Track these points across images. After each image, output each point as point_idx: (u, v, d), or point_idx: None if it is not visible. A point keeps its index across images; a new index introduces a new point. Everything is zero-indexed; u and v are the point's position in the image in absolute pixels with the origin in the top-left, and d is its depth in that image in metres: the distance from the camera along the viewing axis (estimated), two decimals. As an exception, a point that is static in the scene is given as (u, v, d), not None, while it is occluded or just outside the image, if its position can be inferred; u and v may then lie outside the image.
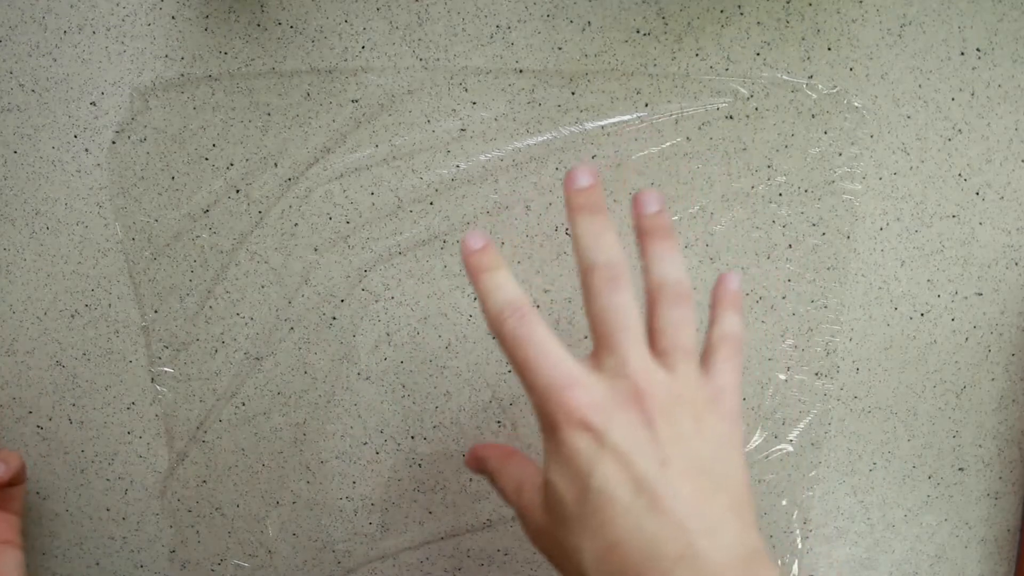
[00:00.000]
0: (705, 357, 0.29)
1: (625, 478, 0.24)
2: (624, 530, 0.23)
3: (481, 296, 0.27)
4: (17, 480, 0.37)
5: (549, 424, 0.25)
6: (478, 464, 0.31)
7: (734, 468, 0.25)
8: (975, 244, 0.39)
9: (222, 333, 0.39)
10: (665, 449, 0.24)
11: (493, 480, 0.30)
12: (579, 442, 0.24)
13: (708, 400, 0.26)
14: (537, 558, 0.43)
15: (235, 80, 0.36)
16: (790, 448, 0.41)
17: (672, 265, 0.27)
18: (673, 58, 0.37)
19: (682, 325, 0.27)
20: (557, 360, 0.25)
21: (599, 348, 0.26)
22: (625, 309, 0.26)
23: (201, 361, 0.40)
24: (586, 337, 0.40)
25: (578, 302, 0.39)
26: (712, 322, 0.30)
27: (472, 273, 0.28)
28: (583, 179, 0.28)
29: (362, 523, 0.42)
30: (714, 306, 0.30)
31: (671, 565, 0.22)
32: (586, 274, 0.27)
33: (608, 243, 0.27)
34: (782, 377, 0.40)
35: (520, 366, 0.26)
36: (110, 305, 0.39)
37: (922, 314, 0.40)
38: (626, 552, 0.23)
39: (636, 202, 0.28)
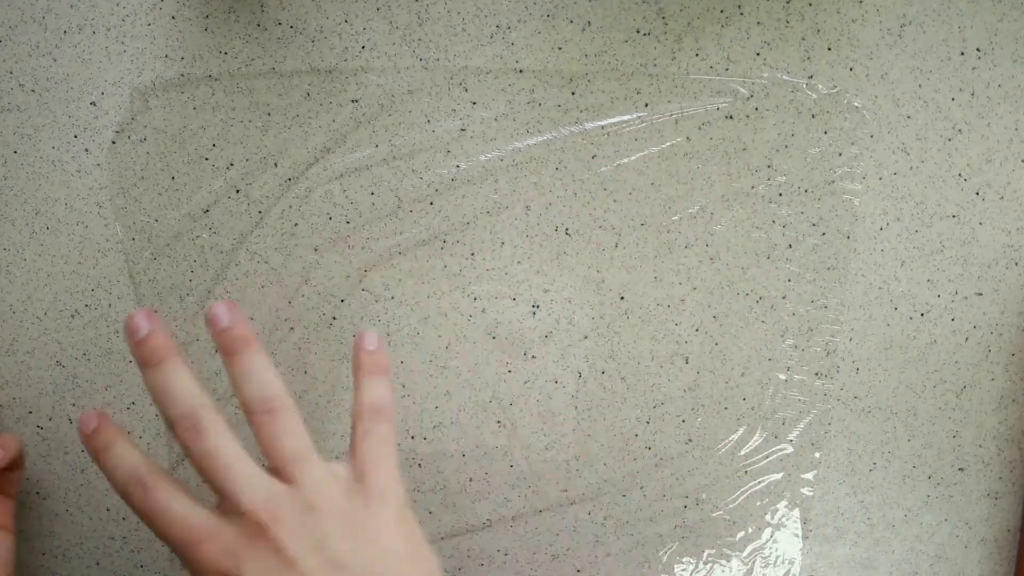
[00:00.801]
0: (351, 440, 0.29)
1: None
2: None
3: (105, 473, 0.28)
4: (16, 465, 0.37)
5: (192, 573, 0.26)
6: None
7: (389, 554, 0.26)
8: (975, 244, 0.39)
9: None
10: (302, 565, 0.25)
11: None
12: (263, 553, 0.25)
13: (346, 493, 0.27)
14: (537, 558, 0.43)
15: (235, 80, 0.36)
16: (790, 448, 0.41)
17: (255, 380, 0.28)
18: (673, 58, 0.37)
19: (281, 435, 0.27)
20: (183, 518, 0.26)
21: (216, 494, 0.27)
22: (215, 451, 0.26)
23: (201, 361, 0.40)
24: (586, 338, 0.40)
25: (579, 302, 0.39)
26: (354, 393, 0.30)
27: (91, 452, 0.28)
28: (138, 331, 0.28)
29: (362, 523, 0.42)
30: (354, 373, 0.30)
31: None
32: (171, 430, 0.27)
33: (177, 393, 0.27)
34: (782, 377, 0.40)
35: (156, 533, 0.26)
36: (110, 305, 0.39)
37: (922, 314, 0.40)
38: None
39: (211, 319, 0.29)
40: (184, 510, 0.26)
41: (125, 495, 0.27)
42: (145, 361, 0.27)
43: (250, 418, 0.28)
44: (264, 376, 0.28)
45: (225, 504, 0.26)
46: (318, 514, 0.26)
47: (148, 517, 0.27)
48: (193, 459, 0.27)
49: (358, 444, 0.29)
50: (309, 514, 0.26)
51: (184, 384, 0.27)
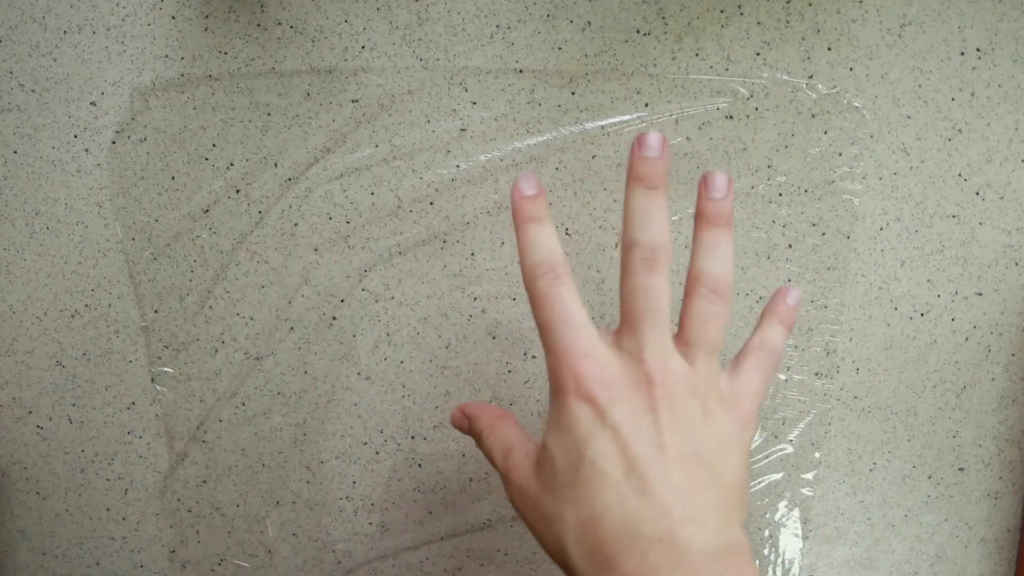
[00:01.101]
0: (737, 358, 0.29)
1: (619, 456, 0.24)
2: (608, 505, 0.24)
3: (521, 245, 0.27)
4: None
5: (557, 388, 0.26)
6: (466, 422, 0.30)
7: (733, 466, 0.25)
8: (975, 244, 0.39)
9: (222, 333, 0.39)
10: (664, 436, 0.24)
11: (480, 439, 0.29)
12: (581, 413, 0.25)
13: (722, 397, 0.26)
14: (537, 558, 0.43)
15: (235, 80, 0.36)
16: (790, 448, 0.41)
17: (718, 258, 0.27)
18: (673, 58, 0.37)
19: (712, 319, 0.26)
20: (578, 328, 0.26)
21: (623, 327, 0.26)
22: (656, 293, 0.26)
23: (201, 361, 0.40)
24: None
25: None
26: (756, 328, 0.30)
27: (517, 219, 0.27)
28: (651, 149, 0.27)
29: (362, 523, 0.42)
30: (764, 314, 0.30)
31: (647, 546, 0.23)
32: (626, 250, 0.26)
33: (656, 223, 0.26)
34: (782, 377, 0.40)
35: (543, 325, 0.26)
36: (110, 305, 0.39)
37: (922, 314, 0.40)
38: (606, 526, 0.23)
39: (704, 183, 0.27)
40: (583, 320, 0.26)
41: (532, 275, 0.26)
42: (638, 179, 0.26)
43: (695, 284, 0.27)
44: (727, 258, 0.27)
45: (627, 341, 0.26)
46: (693, 399, 0.25)
47: (545, 307, 0.26)
48: (633, 289, 0.26)
49: (746, 369, 0.28)
50: (687, 395, 0.25)
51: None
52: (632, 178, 0.27)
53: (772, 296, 0.30)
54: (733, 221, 0.28)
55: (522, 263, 0.27)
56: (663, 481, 0.24)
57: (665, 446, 0.24)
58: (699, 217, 0.28)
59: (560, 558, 0.25)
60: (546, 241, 0.27)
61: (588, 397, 0.25)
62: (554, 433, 0.26)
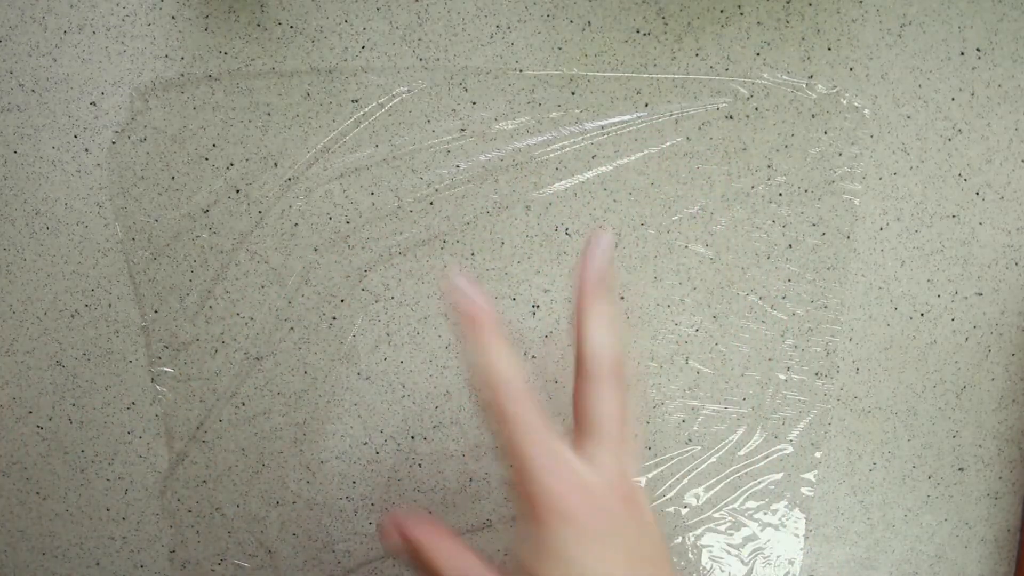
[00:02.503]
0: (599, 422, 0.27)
1: (603, 568, 0.23)
2: None
3: (477, 358, 0.25)
4: None
5: (532, 510, 0.24)
6: (402, 539, 0.26)
7: (663, 549, 0.26)
8: (975, 244, 0.39)
9: (222, 333, 0.39)
10: (631, 544, 0.24)
11: (425, 561, 0.26)
12: (562, 531, 0.24)
13: (636, 495, 0.26)
14: (537, 558, 0.43)
15: (235, 80, 0.36)
16: (790, 448, 0.41)
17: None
18: (673, 58, 0.37)
19: (616, 414, 0.26)
20: (548, 437, 0.24)
21: (585, 437, 0.26)
22: (616, 408, 0.26)
23: (201, 361, 0.40)
24: (586, 337, 0.40)
25: (578, 302, 0.39)
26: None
27: (467, 340, 0.26)
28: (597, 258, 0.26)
29: (362, 523, 0.42)
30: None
31: None
32: (581, 364, 0.26)
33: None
34: (782, 377, 0.40)
35: (508, 436, 0.25)
36: (110, 305, 0.39)
37: (922, 314, 0.40)
38: None
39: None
40: (549, 435, 0.25)
41: (489, 391, 0.25)
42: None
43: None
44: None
45: (595, 451, 0.25)
46: (636, 507, 0.25)
47: (505, 425, 0.25)
48: (594, 404, 0.26)
49: (602, 419, 0.26)
50: (635, 504, 0.25)
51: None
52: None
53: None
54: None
55: (475, 378, 0.25)
56: None
57: (631, 550, 0.24)
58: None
59: None
60: (503, 355, 0.25)
61: (569, 519, 0.24)
62: (543, 560, 0.24)
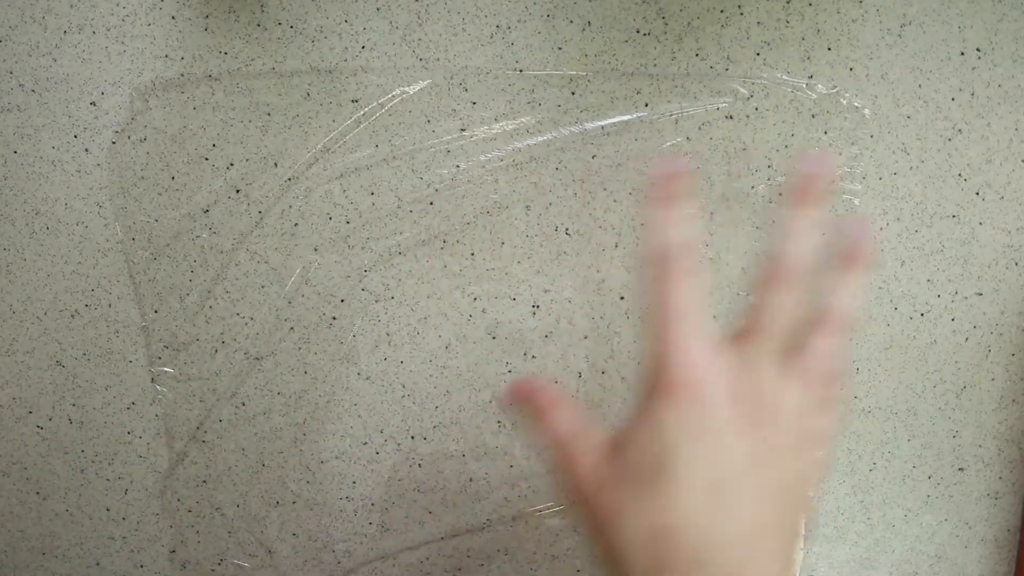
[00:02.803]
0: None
1: (710, 473, 0.22)
2: (687, 520, 0.22)
3: (656, 223, 0.25)
4: None
5: (661, 383, 0.24)
6: (524, 398, 0.28)
7: (805, 502, 0.25)
8: (975, 244, 0.39)
9: (222, 333, 0.39)
10: (759, 461, 0.23)
11: (540, 418, 0.27)
12: (683, 413, 0.23)
13: (817, 431, 0.25)
14: (537, 558, 0.43)
15: (235, 80, 0.36)
16: (790, 448, 0.41)
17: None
18: (673, 58, 0.37)
19: (834, 357, 0.25)
20: (701, 323, 0.24)
21: (748, 332, 0.25)
22: (782, 309, 0.25)
23: (201, 361, 0.40)
24: (586, 338, 0.40)
25: (579, 302, 0.39)
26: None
27: (656, 197, 0.25)
28: (821, 164, 0.26)
29: (362, 523, 0.42)
30: (818, 322, 0.27)
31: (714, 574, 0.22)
32: (770, 262, 0.25)
33: (801, 235, 0.25)
34: (782, 377, 0.40)
35: (660, 311, 0.24)
36: (110, 305, 0.39)
37: (922, 314, 0.40)
38: (679, 542, 0.22)
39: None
40: (701, 316, 0.24)
41: (662, 258, 0.25)
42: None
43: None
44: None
45: (749, 349, 0.24)
46: (792, 429, 0.24)
47: (669, 295, 0.24)
48: (763, 303, 0.25)
49: (816, 358, 0.25)
50: (790, 423, 0.24)
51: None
52: (801, 199, 0.26)
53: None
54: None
55: (650, 244, 0.25)
56: (742, 513, 0.22)
57: (757, 470, 0.23)
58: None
59: (611, 559, 0.23)
60: (681, 227, 0.25)
61: (696, 399, 0.23)
62: (645, 426, 0.24)
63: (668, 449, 0.23)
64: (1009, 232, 0.39)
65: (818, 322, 0.25)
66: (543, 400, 0.27)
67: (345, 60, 0.36)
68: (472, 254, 0.39)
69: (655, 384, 0.24)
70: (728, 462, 0.23)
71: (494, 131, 0.37)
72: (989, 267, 0.40)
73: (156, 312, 0.39)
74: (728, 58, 0.37)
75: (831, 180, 0.26)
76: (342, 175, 0.38)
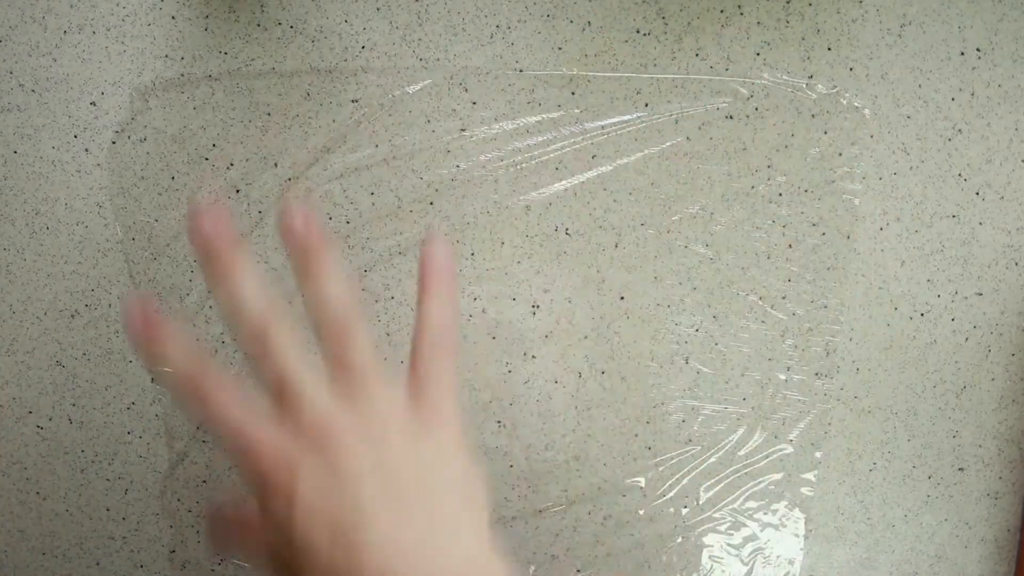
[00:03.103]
0: (411, 359, 0.27)
1: (320, 530, 0.23)
2: None
3: (153, 375, 0.26)
4: None
5: (250, 478, 0.24)
6: (223, 537, 0.27)
7: (444, 481, 0.25)
8: (975, 244, 0.39)
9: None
10: (352, 487, 0.23)
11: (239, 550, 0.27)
12: (274, 503, 0.23)
13: (406, 420, 0.25)
14: (537, 558, 0.43)
15: (235, 80, 0.36)
16: (790, 448, 0.41)
17: (328, 283, 0.26)
18: (673, 58, 0.37)
19: (348, 347, 0.26)
20: (239, 427, 0.24)
21: (275, 398, 0.25)
22: (283, 354, 0.25)
23: (201, 361, 0.40)
24: (586, 338, 0.40)
25: (579, 302, 0.39)
26: (416, 311, 0.28)
27: (139, 353, 0.25)
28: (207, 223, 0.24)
29: (362, 523, 0.42)
30: (419, 290, 0.28)
31: None
32: (237, 337, 0.25)
33: (248, 295, 0.25)
34: (782, 377, 0.40)
35: (214, 437, 0.25)
36: (110, 305, 0.39)
37: (922, 314, 0.40)
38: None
39: (283, 216, 0.26)
40: (240, 419, 0.24)
41: (178, 400, 0.25)
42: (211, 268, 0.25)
43: (318, 319, 0.26)
44: (334, 277, 0.26)
45: (284, 411, 0.25)
46: (373, 438, 0.25)
47: (205, 424, 0.25)
48: (257, 364, 0.25)
49: (422, 370, 0.27)
50: (365, 435, 0.24)
51: (253, 293, 0.25)
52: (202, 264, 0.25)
53: (420, 262, 0.28)
54: (326, 245, 0.26)
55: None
56: (367, 532, 0.23)
57: (358, 499, 0.23)
58: (292, 254, 0.26)
59: None
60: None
61: (271, 486, 0.23)
62: (269, 532, 0.24)
63: (288, 541, 0.23)
64: (1009, 232, 0.39)
65: (316, 325, 0.26)
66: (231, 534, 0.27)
67: (345, 60, 0.36)
68: (472, 254, 0.39)
69: (252, 483, 0.24)
70: (326, 511, 0.23)
71: (494, 131, 0.37)
72: (989, 267, 0.40)
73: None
74: (728, 58, 0.37)
75: None
76: (342, 175, 0.38)
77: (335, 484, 0.23)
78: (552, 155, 0.37)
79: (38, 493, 0.42)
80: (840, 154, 0.38)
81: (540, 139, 0.37)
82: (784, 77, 0.37)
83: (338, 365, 0.26)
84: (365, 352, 0.26)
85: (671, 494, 0.42)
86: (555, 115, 0.37)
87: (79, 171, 0.37)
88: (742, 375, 0.40)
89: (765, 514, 0.42)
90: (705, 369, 0.40)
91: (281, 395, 0.25)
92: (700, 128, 0.37)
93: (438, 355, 0.27)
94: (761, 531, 0.42)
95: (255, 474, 0.24)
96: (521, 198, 0.38)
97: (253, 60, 0.36)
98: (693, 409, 0.41)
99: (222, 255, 0.24)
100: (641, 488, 0.42)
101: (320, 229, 0.26)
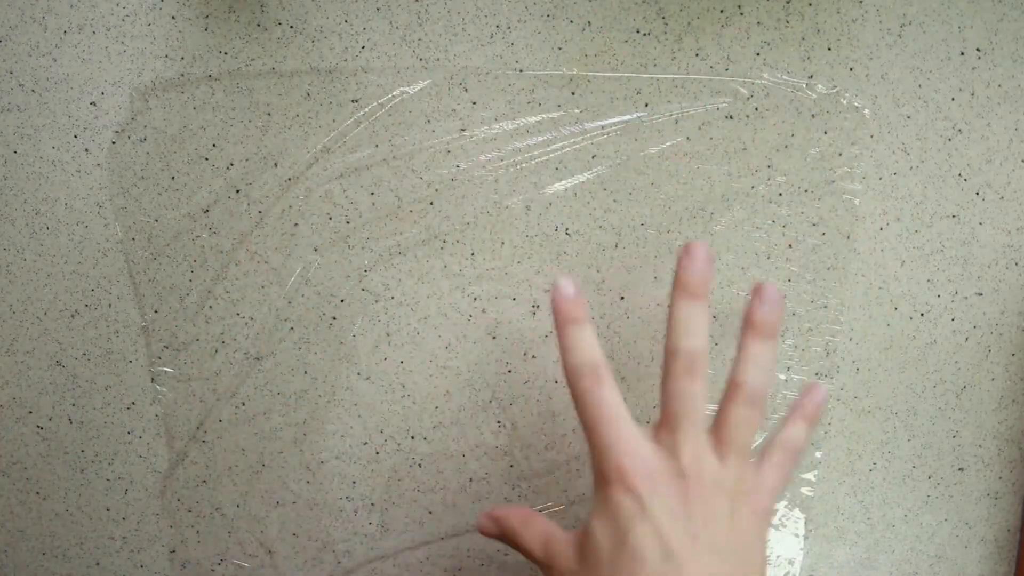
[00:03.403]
0: (761, 454, 0.31)
1: (657, 543, 0.26)
2: None
3: (563, 346, 0.30)
4: None
5: (602, 479, 0.28)
6: (496, 525, 0.32)
7: (755, 556, 0.28)
8: (975, 244, 0.39)
9: (222, 333, 0.39)
10: (695, 526, 0.27)
11: (514, 537, 0.31)
12: (624, 501, 0.27)
13: (746, 492, 0.29)
14: (537, 558, 0.43)
15: (235, 80, 0.36)
16: (790, 448, 0.41)
17: (761, 369, 0.29)
18: (673, 58, 0.37)
19: (746, 426, 0.29)
20: (621, 426, 0.28)
21: (663, 424, 0.29)
22: (695, 398, 0.28)
23: (201, 361, 0.40)
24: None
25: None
26: (783, 424, 0.32)
27: (559, 321, 0.30)
28: (697, 260, 0.29)
29: (362, 523, 0.42)
30: (792, 409, 0.32)
31: None
32: (669, 355, 0.29)
33: (698, 331, 0.29)
34: (782, 377, 0.40)
35: (588, 423, 0.29)
36: (110, 305, 0.39)
37: (922, 314, 0.40)
38: None
39: (756, 293, 0.30)
40: (625, 417, 0.29)
41: (575, 376, 0.29)
42: (683, 289, 0.29)
43: (736, 392, 0.29)
44: (769, 368, 0.30)
45: (666, 438, 0.28)
46: (721, 495, 0.28)
47: (590, 407, 0.29)
48: (674, 392, 0.29)
49: (768, 466, 0.30)
50: (716, 490, 0.28)
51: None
52: (679, 287, 0.29)
53: (803, 392, 0.33)
54: (777, 334, 0.30)
55: (564, 364, 0.30)
56: (696, 568, 0.26)
57: (697, 536, 0.26)
58: (747, 326, 0.30)
59: None
60: (587, 342, 0.29)
61: (630, 488, 0.27)
62: (599, 518, 0.28)
63: (620, 535, 0.27)
64: (1009, 232, 0.39)
65: (730, 394, 0.30)
66: (514, 519, 0.31)
67: (345, 60, 0.36)
68: (472, 254, 0.39)
69: (599, 480, 0.29)
70: (671, 533, 0.26)
71: (494, 131, 0.37)
72: (989, 267, 0.40)
73: (156, 312, 0.39)
74: (728, 58, 0.37)
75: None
76: (342, 175, 0.38)
77: (683, 515, 0.27)
78: (552, 155, 0.37)
79: (38, 493, 0.42)
80: (840, 154, 0.38)
81: (540, 139, 0.37)
82: (784, 77, 0.37)
83: (728, 431, 0.29)
84: (752, 436, 0.29)
85: (671, 494, 0.42)
86: (555, 115, 0.37)
87: (79, 171, 0.37)
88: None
89: (765, 514, 0.42)
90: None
91: (671, 424, 0.29)
92: (700, 128, 0.37)
93: (784, 463, 0.31)
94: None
95: (612, 471, 0.28)
96: (521, 198, 0.38)
97: (253, 60, 0.36)
98: (693, 409, 0.41)
99: (699, 297, 0.30)
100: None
101: (782, 314, 0.31)
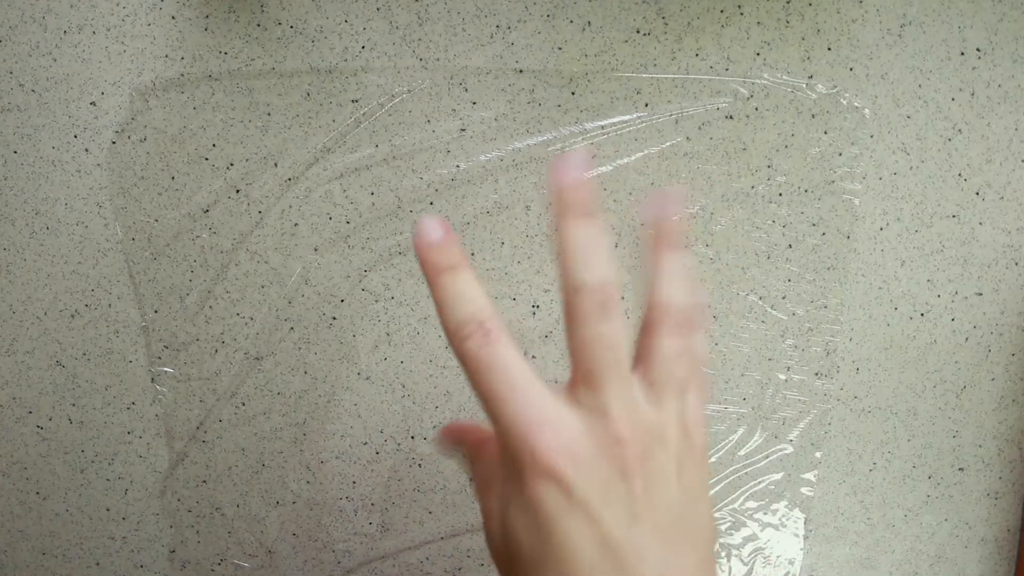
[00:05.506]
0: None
1: (591, 536, 0.21)
2: None
3: (438, 302, 0.23)
4: None
5: (511, 464, 0.22)
6: (454, 439, 0.27)
7: (704, 520, 0.23)
8: (975, 244, 0.39)
9: (222, 333, 0.39)
10: (638, 504, 0.21)
11: (467, 464, 0.27)
12: (544, 492, 0.21)
13: (689, 436, 0.23)
14: (537, 558, 0.43)
15: (235, 80, 0.36)
16: (790, 448, 0.41)
17: (682, 283, 0.24)
18: (673, 58, 0.37)
19: (680, 357, 0.23)
20: (527, 390, 0.22)
21: (579, 381, 0.23)
22: (614, 341, 0.22)
23: (201, 361, 0.40)
24: (586, 337, 0.40)
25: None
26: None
27: (428, 273, 0.23)
28: (571, 172, 0.23)
29: (362, 523, 0.42)
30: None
31: None
32: (570, 294, 0.23)
33: (600, 257, 0.23)
34: (782, 377, 0.40)
35: (483, 394, 0.22)
36: (110, 305, 0.39)
37: (922, 314, 0.40)
38: None
39: (655, 200, 0.24)
40: (530, 380, 0.22)
41: (457, 337, 0.22)
42: (568, 210, 0.23)
43: (660, 317, 0.23)
44: (690, 283, 0.24)
45: (587, 398, 0.22)
46: (663, 454, 0.22)
47: (480, 374, 0.22)
48: (586, 339, 0.23)
49: (665, 362, 0.23)
50: (658, 450, 0.22)
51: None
52: (561, 210, 0.23)
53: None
54: (686, 244, 0.24)
55: (443, 324, 0.23)
56: (640, 559, 0.21)
57: (639, 516, 0.21)
58: (654, 239, 0.24)
59: None
60: (468, 293, 0.23)
61: (550, 473, 0.21)
62: (516, 511, 0.22)
63: (543, 531, 0.21)
64: (1009, 232, 0.39)
65: (651, 322, 0.24)
66: (468, 446, 0.27)
67: (345, 60, 0.36)
68: (472, 254, 0.39)
69: (507, 465, 0.22)
70: (607, 521, 0.21)
71: (494, 131, 0.37)
72: (989, 267, 0.40)
73: (156, 312, 0.39)
74: (728, 58, 0.37)
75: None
76: (342, 175, 0.38)
77: (622, 493, 0.21)
78: (552, 155, 0.37)
79: (38, 493, 0.42)
80: (840, 154, 0.38)
81: (540, 139, 0.37)
82: (784, 77, 0.37)
83: (658, 367, 0.23)
84: (692, 368, 0.24)
85: (671, 494, 0.42)
86: (555, 115, 0.37)
87: (79, 171, 0.37)
88: (742, 375, 0.40)
89: (765, 514, 0.42)
90: (705, 369, 0.40)
91: (589, 379, 0.22)
92: (700, 128, 0.37)
93: (702, 386, 0.25)
94: (761, 531, 0.42)
95: (530, 451, 0.21)
96: (521, 198, 0.38)
97: (253, 60, 0.36)
98: (693, 409, 0.41)
99: (590, 216, 0.23)
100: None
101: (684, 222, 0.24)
